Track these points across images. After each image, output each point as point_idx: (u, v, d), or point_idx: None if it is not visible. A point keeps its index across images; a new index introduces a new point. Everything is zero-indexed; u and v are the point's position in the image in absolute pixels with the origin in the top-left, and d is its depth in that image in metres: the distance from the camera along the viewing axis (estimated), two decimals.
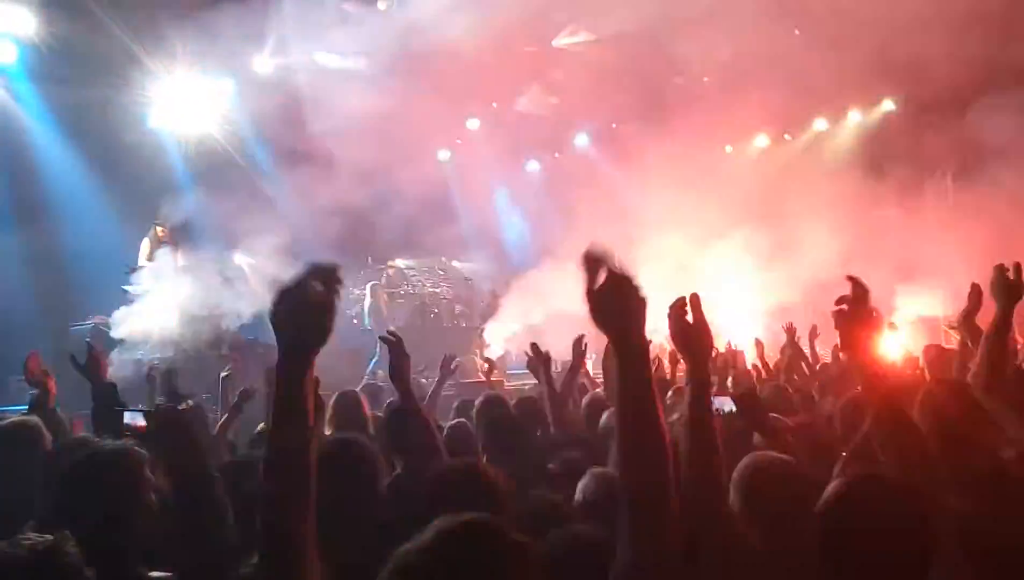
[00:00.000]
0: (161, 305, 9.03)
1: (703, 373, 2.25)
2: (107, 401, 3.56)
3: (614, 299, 1.76)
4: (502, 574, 1.43)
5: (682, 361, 2.31)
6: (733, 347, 7.78)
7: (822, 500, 2.09)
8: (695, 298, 2.25)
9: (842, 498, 2.04)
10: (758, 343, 8.54)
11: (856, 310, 2.33)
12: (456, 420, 4.71)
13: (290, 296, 1.65)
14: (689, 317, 2.24)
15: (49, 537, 1.88)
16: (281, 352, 1.65)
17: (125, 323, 9.00)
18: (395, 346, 3.26)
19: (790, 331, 7.77)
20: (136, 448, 2.40)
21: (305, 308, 1.64)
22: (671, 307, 2.27)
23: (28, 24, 9.80)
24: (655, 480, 1.74)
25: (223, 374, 5.96)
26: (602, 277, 1.76)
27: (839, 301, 2.36)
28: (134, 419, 2.88)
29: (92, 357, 3.95)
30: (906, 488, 2.04)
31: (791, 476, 2.66)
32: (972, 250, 12.90)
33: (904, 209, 12.13)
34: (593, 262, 1.77)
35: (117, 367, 7.87)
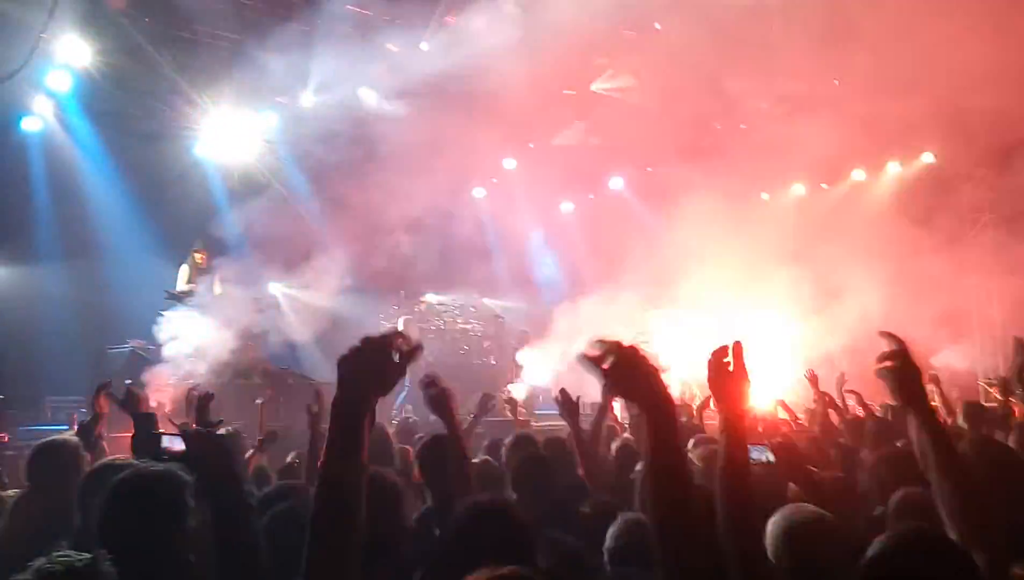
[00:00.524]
0: (196, 332, 9.14)
1: (740, 422, 2.21)
2: (147, 430, 3.68)
3: (626, 373, 1.81)
4: None
5: (713, 407, 2.29)
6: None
7: (869, 555, 2.02)
8: (738, 346, 2.22)
9: (891, 554, 1.97)
10: (782, 403, 8.41)
11: (902, 365, 2.28)
12: (483, 458, 4.68)
13: (376, 348, 1.74)
14: (730, 365, 2.21)
15: (86, 555, 1.90)
16: (346, 392, 1.71)
17: (162, 348, 9.12)
18: (433, 385, 3.28)
19: (812, 380, 7.66)
20: (179, 472, 2.42)
21: (385, 364, 1.73)
22: (712, 354, 2.24)
23: (84, 55, 10.10)
24: (688, 540, 1.74)
25: (258, 402, 6.03)
26: (608, 361, 1.82)
27: (881, 358, 2.32)
28: (172, 443, 2.90)
29: (131, 394, 4.14)
30: (959, 547, 1.98)
31: (830, 531, 2.60)
32: (1009, 304, 12.71)
33: (942, 261, 11.97)
34: (592, 359, 1.83)
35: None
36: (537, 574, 1.77)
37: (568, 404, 5.25)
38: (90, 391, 4.74)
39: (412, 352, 1.77)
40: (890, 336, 2.32)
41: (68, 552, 1.91)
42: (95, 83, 10.36)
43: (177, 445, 2.76)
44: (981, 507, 2.18)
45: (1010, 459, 3.12)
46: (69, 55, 10.17)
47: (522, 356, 13.09)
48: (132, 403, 4.10)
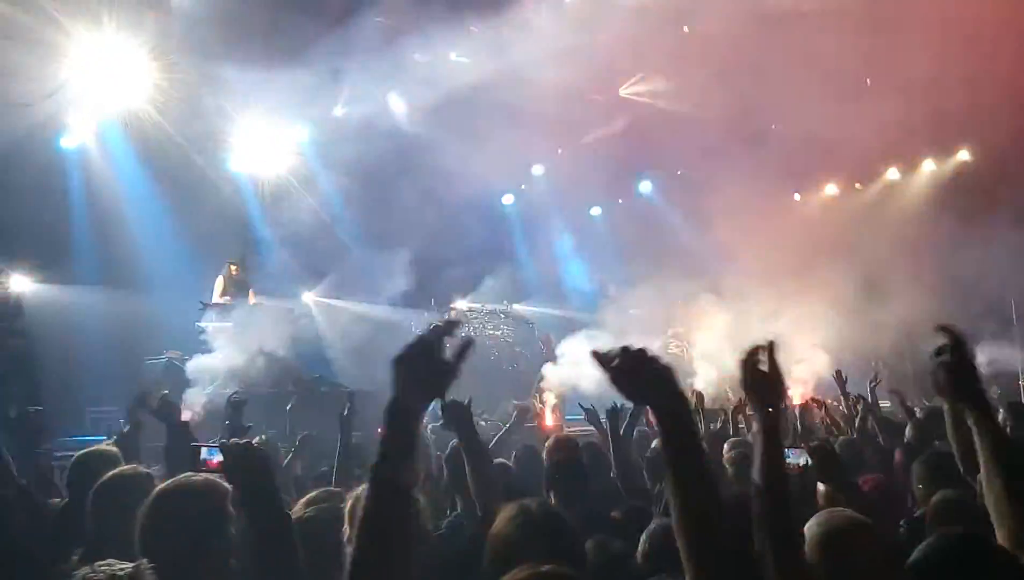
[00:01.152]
0: (231, 342, 9.25)
1: (774, 424, 2.15)
2: (182, 440, 3.73)
3: (632, 374, 1.76)
4: None
5: (749, 411, 2.24)
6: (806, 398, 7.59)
7: (914, 560, 1.99)
8: (771, 345, 2.17)
9: (938, 559, 1.94)
10: (814, 400, 8.30)
11: (960, 359, 2.22)
12: (499, 461, 4.66)
13: (430, 347, 1.73)
14: (763, 366, 2.16)
15: (128, 564, 1.93)
16: (401, 394, 1.71)
17: (197, 359, 9.24)
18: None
19: (840, 380, 7.56)
20: (220, 482, 2.45)
21: (439, 364, 1.73)
22: (745, 354, 2.19)
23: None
24: (709, 544, 1.70)
25: (288, 407, 6.09)
26: (614, 362, 1.78)
27: (938, 351, 2.25)
28: (210, 455, 2.94)
29: (165, 402, 4.21)
30: (1006, 551, 1.94)
31: (869, 536, 2.55)
32: None
33: (979, 258, 11.74)
34: (600, 359, 1.80)
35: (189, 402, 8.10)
36: (577, 573, 1.76)
37: (594, 413, 5.28)
38: (128, 402, 4.84)
39: (464, 349, 1.77)
40: (947, 330, 2.24)
41: (110, 561, 1.94)
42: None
43: (216, 457, 2.79)
44: None
45: None
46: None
47: (549, 366, 13.06)
48: (167, 413, 4.16)
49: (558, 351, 12.61)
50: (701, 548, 1.66)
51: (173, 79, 10.33)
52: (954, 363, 2.20)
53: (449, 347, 1.76)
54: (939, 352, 2.23)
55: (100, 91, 10.49)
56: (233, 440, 2.50)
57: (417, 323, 13.69)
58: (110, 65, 10.17)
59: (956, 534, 2.04)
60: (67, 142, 11.22)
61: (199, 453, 3.06)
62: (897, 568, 2.11)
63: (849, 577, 2.40)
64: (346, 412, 4.52)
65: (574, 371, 12.07)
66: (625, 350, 1.76)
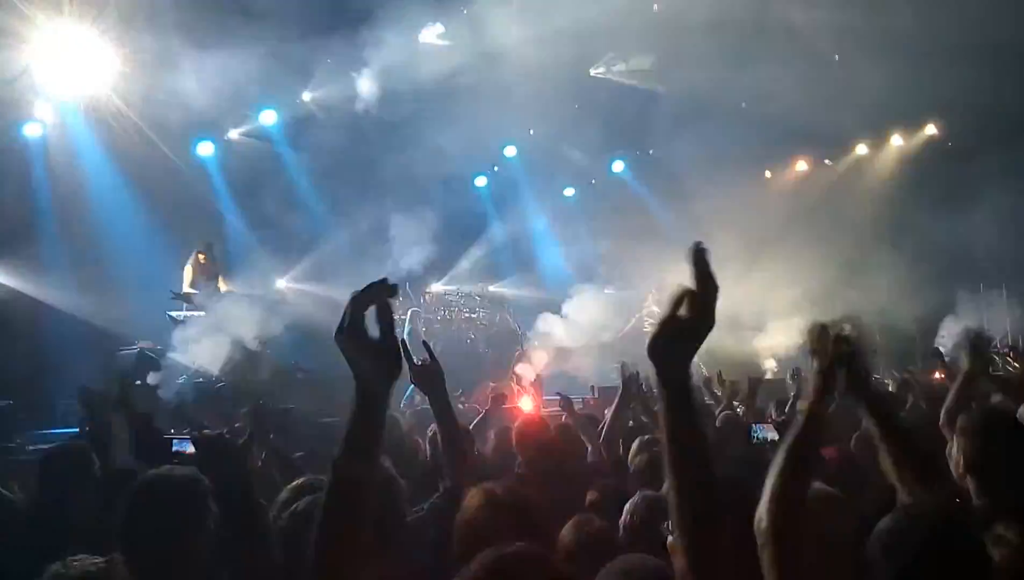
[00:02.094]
0: (202, 332, 9.16)
1: (819, 411, 2.16)
2: (145, 431, 3.67)
3: (686, 335, 1.66)
4: None
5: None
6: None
7: (877, 530, 2.04)
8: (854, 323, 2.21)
9: (900, 530, 1.99)
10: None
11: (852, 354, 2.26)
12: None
13: (350, 336, 1.61)
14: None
15: (99, 559, 1.92)
16: (358, 386, 1.62)
17: (172, 349, 9.15)
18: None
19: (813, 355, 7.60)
20: (200, 476, 2.43)
21: (368, 348, 1.61)
22: (818, 328, 2.21)
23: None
24: (705, 502, 1.66)
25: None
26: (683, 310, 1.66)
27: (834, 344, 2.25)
28: (183, 446, 2.92)
29: (124, 390, 4.11)
30: (963, 522, 1.99)
31: (836, 508, 2.60)
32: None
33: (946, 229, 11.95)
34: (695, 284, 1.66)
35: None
36: (551, 553, 1.74)
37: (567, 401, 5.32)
38: (79, 394, 4.65)
39: (387, 321, 1.62)
40: (824, 328, 2.27)
41: (82, 556, 1.92)
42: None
43: (188, 449, 2.77)
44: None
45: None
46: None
47: (528, 348, 13.08)
48: (126, 402, 4.01)
49: (533, 331, 12.65)
50: (695, 517, 1.64)
51: (136, 64, 10.14)
52: (847, 357, 2.23)
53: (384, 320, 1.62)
54: (836, 345, 2.24)
55: (62, 78, 10.29)
56: (206, 433, 2.48)
57: (392, 307, 13.66)
58: (72, 51, 9.98)
59: (918, 505, 2.09)
60: (30, 130, 11.00)
61: (172, 445, 3.03)
62: (862, 538, 2.16)
63: (814, 546, 2.45)
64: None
65: (551, 351, 12.14)
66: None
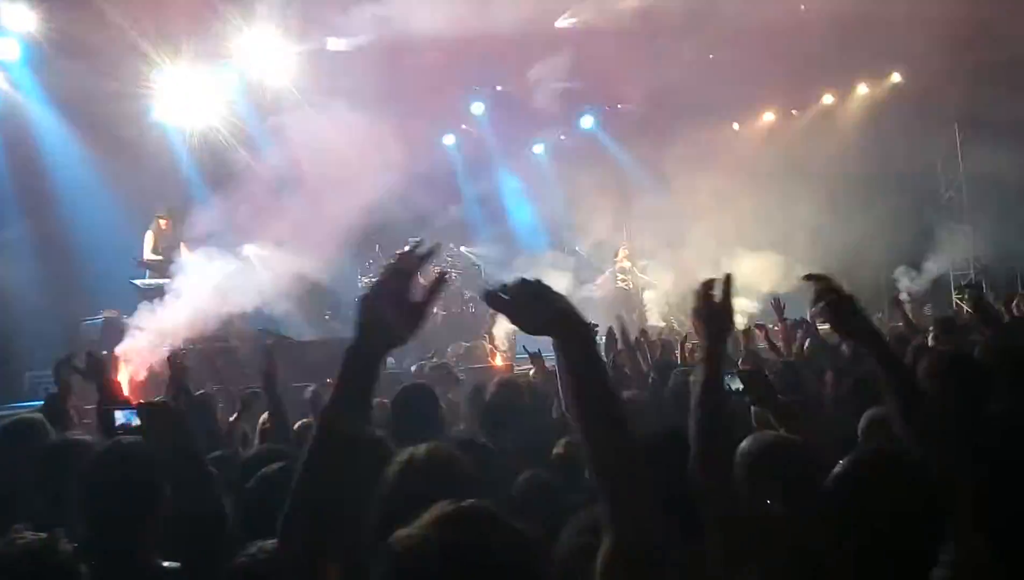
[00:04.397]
0: (168, 297, 9.03)
1: (718, 354, 2.28)
2: (110, 401, 3.59)
3: (533, 306, 1.67)
4: (503, 562, 1.39)
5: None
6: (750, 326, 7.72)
7: (831, 476, 2.07)
8: (728, 278, 2.27)
9: (851, 474, 2.02)
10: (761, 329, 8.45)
11: (837, 299, 2.34)
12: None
13: (400, 289, 1.60)
14: (715, 298, 2.26)
15: (42, 535, 1.87)
16: (362, 343, 1.60)
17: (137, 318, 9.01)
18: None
19: (777, 306, 7.71)
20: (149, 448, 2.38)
21: (408, 308, 1.60)
22: (701, 285, 2.29)
23: (28, 20, 9.79)
24: (624, 457, 1.66)
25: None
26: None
27: (815, 300, 2.36)
28: (127, 419, 2.84)
29: (94, 361, 4.04)
30: (918, 465, 2.02)
31: (794, 453, 2.63)
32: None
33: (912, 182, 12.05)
34: (498, 297, 1.67)
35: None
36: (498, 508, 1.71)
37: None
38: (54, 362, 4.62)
39: (437, 287, 1.66)
40: (814, 278, 2.39)
41: (24, 533, 1.88)
42: (43, 48, 10.04)
43: (134, 421, 2.72)
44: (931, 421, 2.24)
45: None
46: (12, 22, 9.87)
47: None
48: (95, 372, 3.96)
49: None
50: (619, 485, 1.64)
51: (91, 26, 9.82)
52: (833, 303, 2.31)
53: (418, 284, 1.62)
54: (816, 300, 2.34)
55: (10, 42, 9.97)
56: (150, 401, 2.43)
57: (363, 270, 13.52)
58: (21, 15, 9.67)
59: (870, 450, 2.11)
60: None
61: (115, 417, 2.96)
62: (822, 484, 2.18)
63: (775, 493, 2.48)
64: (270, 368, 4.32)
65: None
66: (522, 282, 1.68)
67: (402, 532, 1.39)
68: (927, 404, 2.37)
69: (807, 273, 2.40)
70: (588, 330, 1.71)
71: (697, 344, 2.36)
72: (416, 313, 1.61)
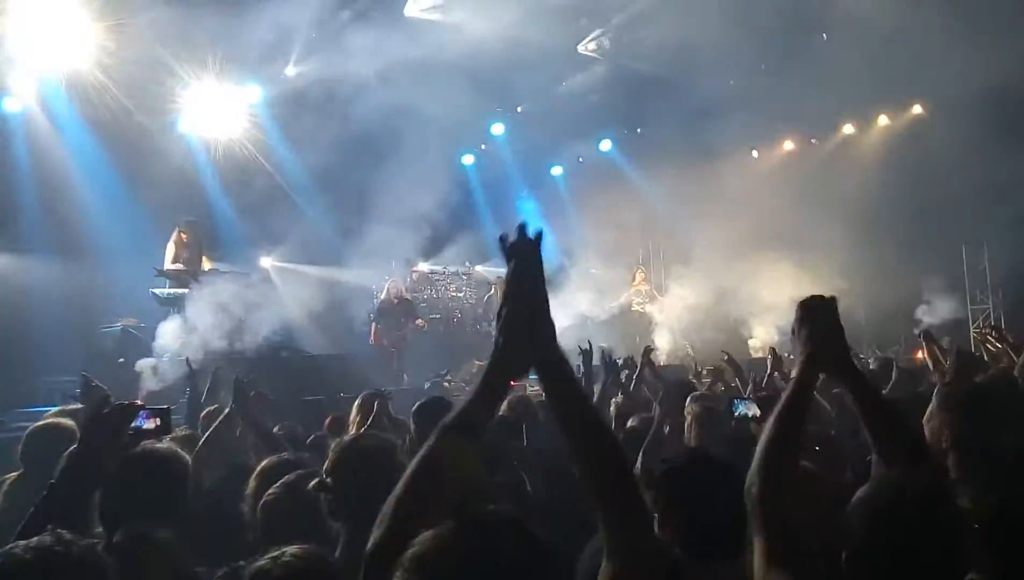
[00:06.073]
0: (188, 309, 9.12)
1: (813, 381, 2.23)
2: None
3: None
4: (521, 570, 1.41)
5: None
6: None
7: (853, 502, 2.06)
8: (833, 300, 2.25)
9: (870, 502, 2.01)
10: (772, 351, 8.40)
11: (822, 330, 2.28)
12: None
13: (540, 306, 1.67)
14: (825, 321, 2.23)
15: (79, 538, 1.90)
16: (509, 361, 1.68)
17: (160, 327, 9.10)
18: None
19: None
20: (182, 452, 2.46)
21: (544, 323, 1.67)
22: (807, 301, 2.26)
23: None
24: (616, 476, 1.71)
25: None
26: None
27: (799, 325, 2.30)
28: (140, 421, 2.85)
29: (89, 388, 4.10)
30: (936, 490, 2.01)
31: (814, 483, 2.63)
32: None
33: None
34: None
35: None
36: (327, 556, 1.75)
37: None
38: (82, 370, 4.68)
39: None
40: (815, 299, 2.30)
41: (62, 532, 1.90)
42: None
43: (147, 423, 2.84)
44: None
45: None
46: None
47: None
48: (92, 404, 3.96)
49: None
50: (612, 509, 1.68)
51: (119, 39, 9.97)
52: (823, 333, 2.24)
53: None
54: (802, 323, 2.27)
55: (42, 51, 10.11)
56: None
57: (378, 287, 13.55)
58: (52, 24, 9.81)
59: (892, 475, 2.11)
60: (9, 105, 10.83)
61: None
62: (841, 511, 2.18)
63: (793, 522, 2.47)
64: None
65: None
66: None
67: (424, 535, 1.42)
68: (915, 444, 2.35)
69: (811, 295, 2.32)
70: (566, 360, 1.74)
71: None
72: (549, 334, 1.66)
